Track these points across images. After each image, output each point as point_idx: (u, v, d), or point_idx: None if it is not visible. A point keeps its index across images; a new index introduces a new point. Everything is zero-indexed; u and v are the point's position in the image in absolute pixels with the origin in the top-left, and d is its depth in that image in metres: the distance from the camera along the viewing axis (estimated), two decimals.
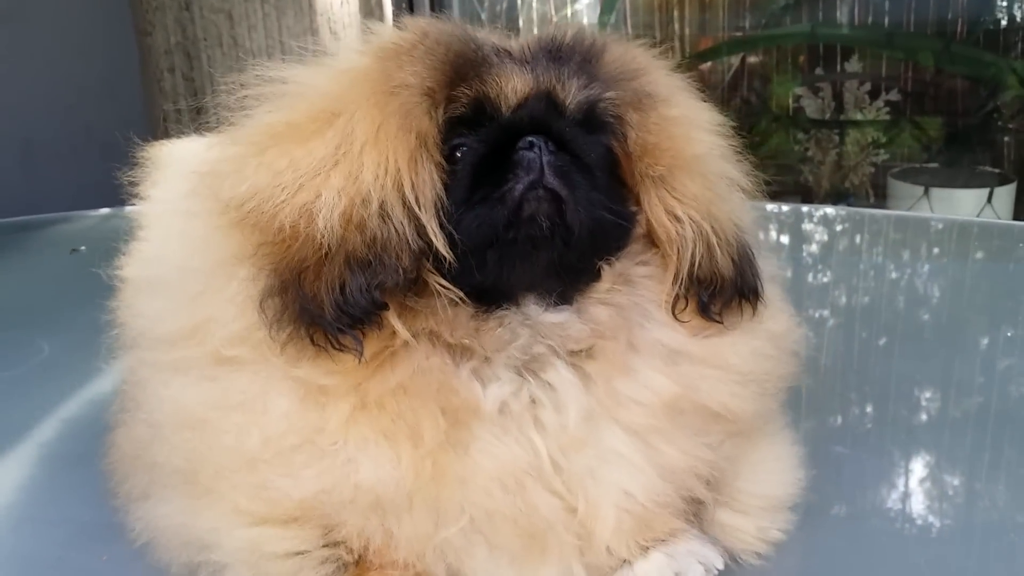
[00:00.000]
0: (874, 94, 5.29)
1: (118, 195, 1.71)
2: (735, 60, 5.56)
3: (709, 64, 5.70)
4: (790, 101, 5.47)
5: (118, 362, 1.49)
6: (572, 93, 1.23)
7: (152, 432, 1.31)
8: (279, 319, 1.16)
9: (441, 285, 1.18)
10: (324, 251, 1.14)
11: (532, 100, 1.22)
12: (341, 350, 1.16)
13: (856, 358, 2.22)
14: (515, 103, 1.21)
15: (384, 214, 1.14)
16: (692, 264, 1.27)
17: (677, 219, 1.26)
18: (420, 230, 1.15)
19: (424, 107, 1.18)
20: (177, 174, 1.63)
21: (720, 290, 1.29)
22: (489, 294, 1.22)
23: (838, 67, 5.34)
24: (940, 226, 3.23)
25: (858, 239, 3.17)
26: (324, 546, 1.24)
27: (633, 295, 1.29)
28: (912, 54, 5.08)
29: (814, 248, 3.12)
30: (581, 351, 1.26)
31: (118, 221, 1.70)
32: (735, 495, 1.39)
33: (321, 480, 1.20)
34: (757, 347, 1.35)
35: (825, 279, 2.83)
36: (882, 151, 5.29)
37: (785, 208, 3.44)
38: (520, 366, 1.24)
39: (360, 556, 1.24)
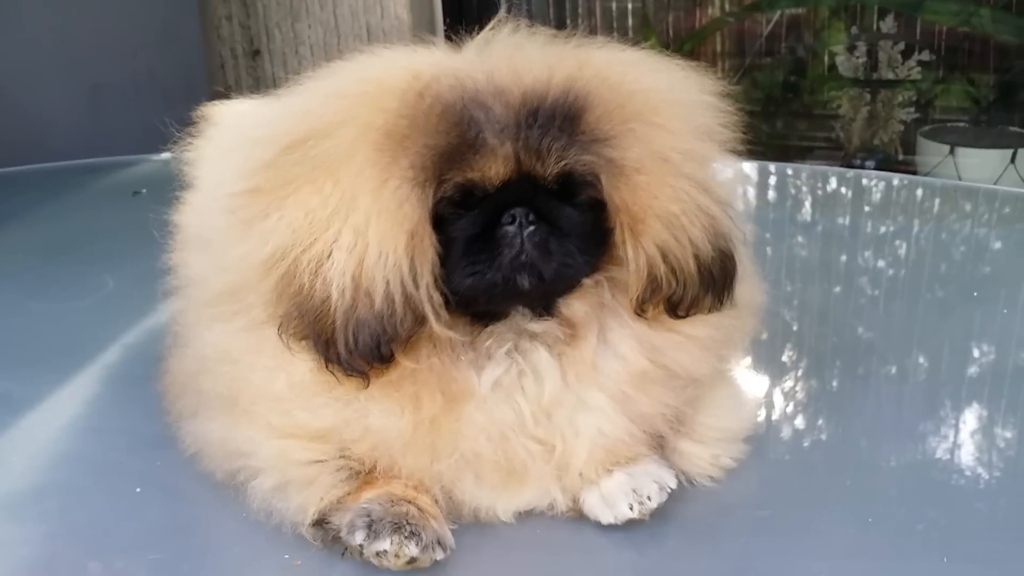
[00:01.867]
0: (907, 53, 5.38)
1: (178, 140, 1.90)
2: (776, 15, 5.64)
3: (755, 16, 5.76)
4: (828, 58, 5.56)
5: (170, 302, 1.74)
6: (550, 167, 1.39)
7: (199, 365, 1.56)
8: (297, 340, 1.39)
9: (441, 331, 1.39)
10: (337, 312, 1.35)
11: (514, 183, 1.38)
12: (350, 376, 1.39)
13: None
14: (498, 184, 1.38)
15: (387, 292, 1.33)
16: (654, 282, 1.45)
17: (641, 254, 1.43)
18: (419, 303, 1.36)
19: (415, 197, 1.34)
20: (226, 135, 1.87)
21: (685, 298, 1.47)
22: (481, 316, 1.46)
23: (874, 26, 5.43)
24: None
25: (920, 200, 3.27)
26: (339, 457, 1.47)
27: (610, 289, 1.50)
28: (942, 16, 5.16)
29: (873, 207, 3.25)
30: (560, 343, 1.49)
31: (177, 167, 1.90)
32: (694, 427, 1.60)
33: (336, 418, 1.44)
34: (717, 320, 1.55)
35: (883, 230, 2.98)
36: (912, 109, 5.39)
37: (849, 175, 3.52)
38: (511, 350, 1.47)
39: (370, 470, 1.48)
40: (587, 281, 1.48)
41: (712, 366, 1.58)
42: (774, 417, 1.86)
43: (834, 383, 2.02)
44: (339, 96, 1.45)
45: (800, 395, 1.96)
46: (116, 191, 3.31)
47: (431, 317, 1.37)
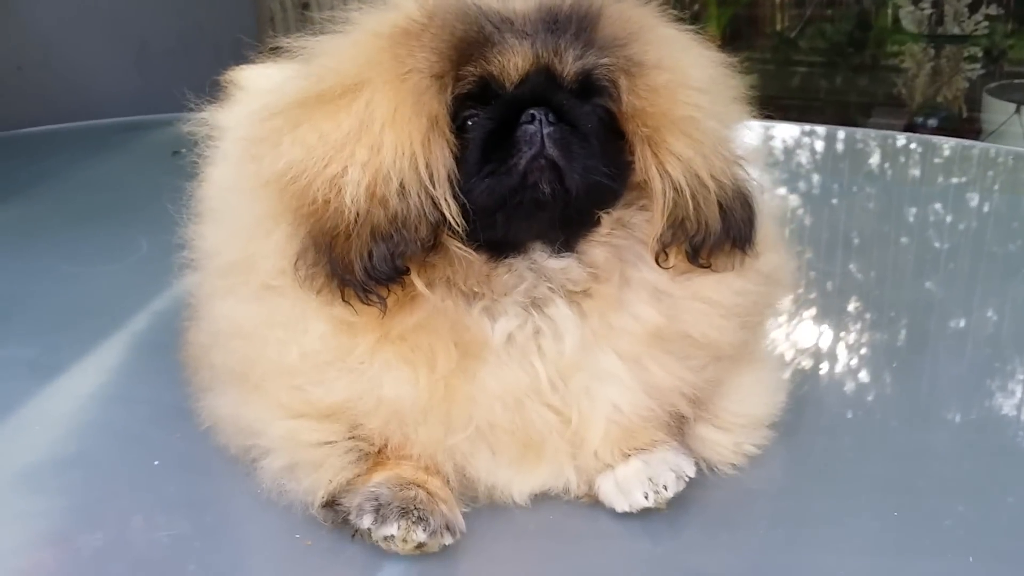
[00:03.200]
0: (974, 7, 5.17)
1: (205, 105, 1.86)
2: None
3: None
4: (892, 10, 5.38)
5: (186, 276, 1.72)
6: (568, 64, 1.36)
7: (212, 338, 1.55)
8: (312, 275, 1.35)
9: (457, 247, 1.36)
10: (352, 223, 1.31)
11: (532, 75, 1.35)
12: (368, 304, 1.35)
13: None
14: (517, 79, 1.35)
15: (403, 192, 1.30)
16: (676, 215, 1.40)
17: (663, 174, 1.39)
18: (436, 203, 1.31)
19: (434, 90, 1.32)
20: (250, 100, 1.84)
21: (707, 239, 1.42)
22: (499, 245, 1.40)
23: None
24: None
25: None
26: (349, 438, 1.45)
27: (629, 238, 1.45)
28: None
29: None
30: (580, 291, 1.43)
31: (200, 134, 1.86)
32: (717, 412, 1.56)
33: (349, 390, 1.41)
34: (741, 286, 1.49)
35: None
36: (978, 65, 5.19)
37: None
38: (526, 303, 1.42)
39: (380, 450, 1.46)
40: (606, 220, 1.43)
41: (734, 336, 1.51)
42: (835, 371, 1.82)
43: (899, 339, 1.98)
44: (353, 25, 1.44)
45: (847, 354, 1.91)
46: (157, 150, 3.27)
47: (448, 216, 1.32)
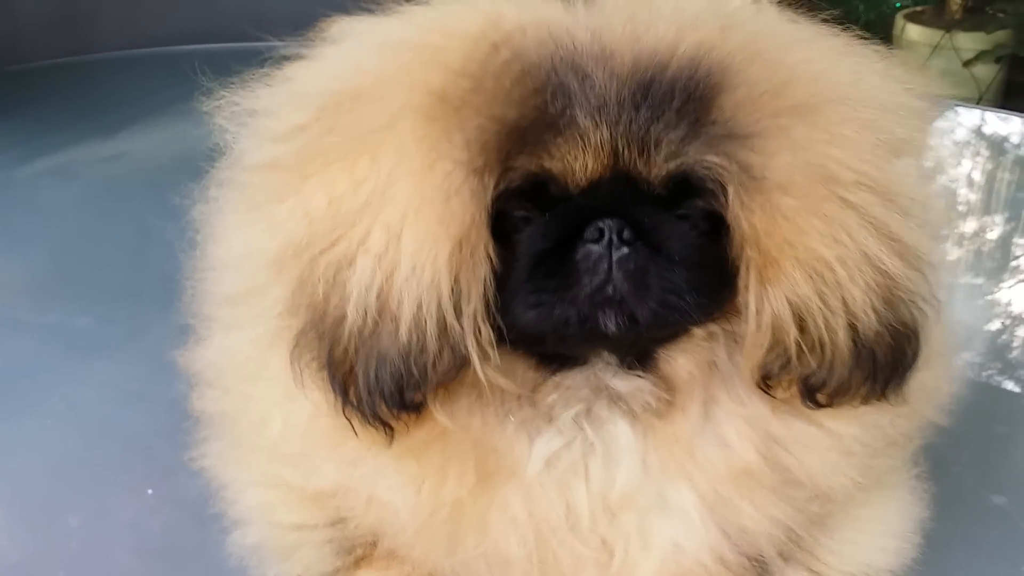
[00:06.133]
0: None
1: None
2: None
3: None
4: None
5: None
6: (658, 165, 0.98)
7: (208, 370, 1.28)
8: (313, 370, 1.04)
9: (490, 375, 1.02)
10: (356, 334, 1.00)
11: (606, 183, 0.99)
12: (370, 427, 1.04)
13: None
14: (585, 184, 1.00)
15: (418, 321, 0.98)
16: (782, 351, 1.02)
17: (764, 308, 1.00)
18: (463, 337, 0.99)
19: (471, 189, 0.97)
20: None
21: (829, 381, 1.03)
22: (548, 358, 1.08)
23: None
24: None
25: None
26: (331, 525, 1.18)
27: (722, 351, 1.08)
28: None
29: None
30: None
31: None
32: (818, 554, 1.19)
33: (335, 481, 1.12)
34: (876, 419, 1.10)
35: None
36: None
37: None
38: (578, 416, 1.08)
39: (365, 545, 1.18)
40: (698, 331, 1.06)
41: (857, 473, 1.11)
42: None
43: None
44: (394, 46, 1.07)
45: None
46: None
47: (475, 359, 0.99)
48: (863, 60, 1.10)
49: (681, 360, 1.07)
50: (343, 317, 0.99)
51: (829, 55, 1.08)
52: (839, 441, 1.08)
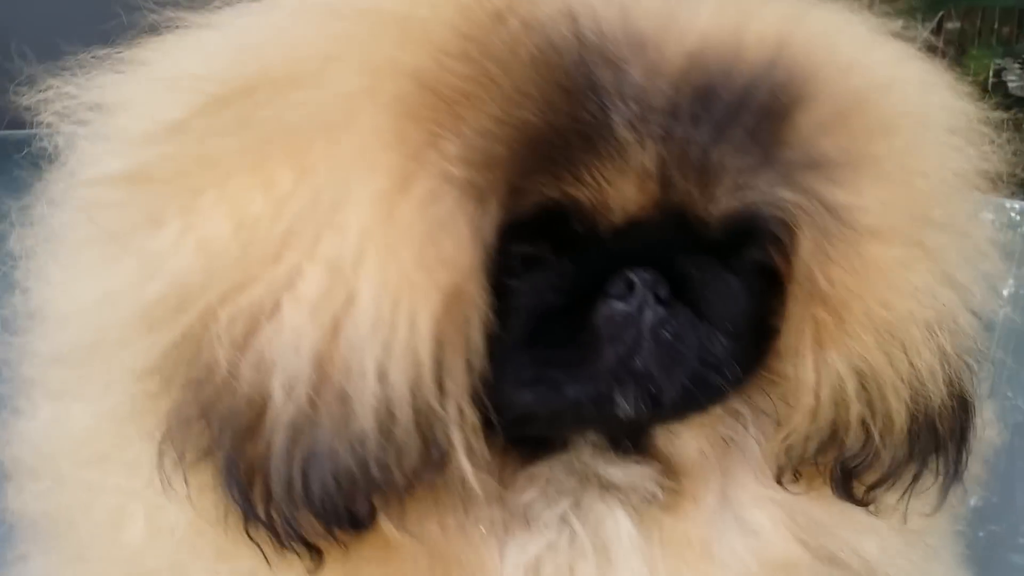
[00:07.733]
0: None
1: None
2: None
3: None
4: (989, 74, 4.75)
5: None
6: (717, 200, 0.76)
7: (31, 454, 0.98)
8: (191, 465, 0.76)
9: (464, 471, 0.78)
10: (280, 424, 0.73)
11: (652, 219, 0.76)
12: (290, 549, 0.77)
13: None
14: (621, 220, 0.76)
15: (383, 403, 0.71)
16: (827, 426, 0.85)
17: (822, 374, 0.82)
18: (443, 425, 0.74)
19: (466, 217, 0.71)
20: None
21: (874, 465, 0.86)
22: (526, 442, 0.86)
23: None
24: None
25: None
26: None
27: (742, 430, 0.90)
28: None
29: None
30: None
31: None
32: None
33: None
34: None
35: None
36: None
37: None
38: (563, 510, 0.87)
39: None
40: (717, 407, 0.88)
41: (912, 561, 0.95)
42: None
43: None
44: (344, 14, 0.79)
45: None
46: None
47: (461, 457, 0.75)
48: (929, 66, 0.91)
49: (686, 437, 0.89)
50: (263, 395, 0.71)
51: (897, 59, 0.90)
52: (901, 519, 0.91)
